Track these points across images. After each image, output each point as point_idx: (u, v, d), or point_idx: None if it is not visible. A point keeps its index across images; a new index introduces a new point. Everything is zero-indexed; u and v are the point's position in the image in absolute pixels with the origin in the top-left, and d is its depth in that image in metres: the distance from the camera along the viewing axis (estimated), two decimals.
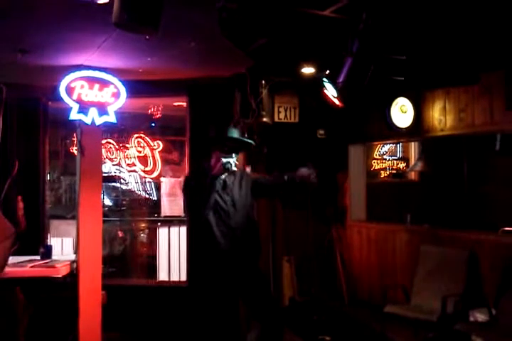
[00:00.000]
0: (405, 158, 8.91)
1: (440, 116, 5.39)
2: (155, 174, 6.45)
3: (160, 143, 6.43)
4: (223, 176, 3.58)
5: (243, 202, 3.63)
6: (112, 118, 4.50)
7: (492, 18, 3.61)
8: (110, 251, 6.39)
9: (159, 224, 6.16)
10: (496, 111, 4.79)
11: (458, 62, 4.13)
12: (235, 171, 3.66)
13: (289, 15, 3.51)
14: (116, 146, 6.54)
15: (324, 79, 4.04)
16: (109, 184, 6.55)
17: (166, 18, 2.85)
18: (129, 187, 6.67)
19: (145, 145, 6.42)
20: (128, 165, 6.55)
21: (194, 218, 3.90)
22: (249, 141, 3.88)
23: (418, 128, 5.62)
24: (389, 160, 8.80)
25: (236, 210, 3.58)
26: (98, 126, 4.50)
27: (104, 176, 5.55)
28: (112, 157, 6.55)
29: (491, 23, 3.69)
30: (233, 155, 3.64)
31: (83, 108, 4.37)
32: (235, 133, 3.74)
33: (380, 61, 3.64)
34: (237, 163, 3.72)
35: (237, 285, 3.60)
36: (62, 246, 5.89)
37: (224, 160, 3.55)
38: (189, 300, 5.23)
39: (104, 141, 6.06)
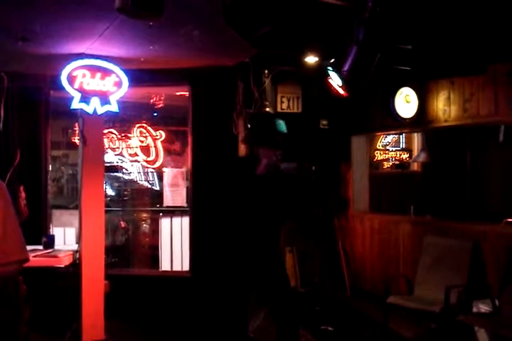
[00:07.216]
0: (408, 149, 8.88)
1: (444, 106, 5.35)
2: (157, 164, 6.41)
3: (162, 133, 6.38)
4: (267, 174, 3.42)
5: (277, 206, 3.45)
6: (114, 107, 4.48)
7: (500, 8, 3.56)
8: (112, 241, 6.38)
9: (161, 214, 6.15)
10: (501, 102, 4.75)
11: (465, 52, 4.08)
12: (281, 171, 3.48)
13: (294, 3, 3.47)
14: (119, 136, 6.50)
15: (329, 68, 3.99)
16: (112, 174, 6.52)
17: (168, 6, 2.81)
18: (131, 177, 6.64)
19: (147, 135, 6.38)
20: (130, 155, 6.52)
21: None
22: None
23: (422, 118, 5.58)
24: (392, 151, 8.77)
25: (267, 211, 3.44)
26: (100, 115, 4.47)
27: (107, 166, 5.53)
28: (114, 147, 6.51)
29: (498, 13, 3.64)
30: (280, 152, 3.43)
31: (85, 97, 4.35)
32: (283, 126, 3.50)
33: (385, 50, 3.60)
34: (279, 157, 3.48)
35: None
36: (64, 236, 5.88)
37: (270, 161, 3.38)
38: (192, 291, 5.24)
39: (106, 131, 6.02)
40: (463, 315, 4.16)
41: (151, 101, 6.42)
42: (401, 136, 8.77)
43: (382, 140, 8.64)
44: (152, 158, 6.43)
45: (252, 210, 3.46)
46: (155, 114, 6.61)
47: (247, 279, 3.50)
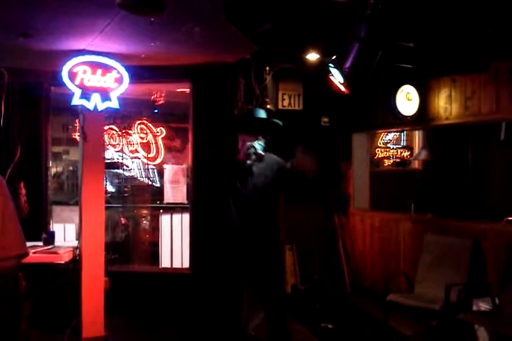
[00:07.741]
0: (409, 147, 8.86)
1: (446, 104, 5.33)
2: (158, 161, 6.41)
3: (163, 129, 6.38)
4: (249, 161, 3.44)
5: (266, 191, 3.48)
6: (114, 103, 4.47)
7: (502, 5, 3.54)
8: (113, 237, 6.38)
9: (162, 211, 6.15)
10: (503, 100, 4.74)
11: (466, 49, 4.07)
12: (263, 156, 3.48)
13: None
14: (119, 132, 6.50)
15: (330, 65, 3.97)
16: (112, 170, 6.51)
17: (170, 2, 2.80)
18: (132, 173, 6.64)
19: (148, 131, 6.38)
20: (131, 151, 6.52)
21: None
22: (277, 121, 3.66)
23: (423, 116, 5.57)
24: (393, 148, 8.75)
25: (257, 198, 3.46)
26: (101, 111, 4.47)
27: (107, 162, 5.53)
28: (114, 143, 6.51)
29: (501, 11, 3.62)
30: (260, 137, 3.49)
31: (86, 93, 4.34)
32: (262, 114, 3.59)
33: (387, 48, 3.58)
34: (263, 145, 3.52)
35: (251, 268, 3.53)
36: (64, 233, 5.89)
37: (248, 143, 3.42)
38: (192, 287, 5.24)
39: (106, 127, 6.02)
40: (463, 313, 4.15)
41: (152, 97, 6.42)
42: (402, 134, 8.75)
43: (383, 137, 8.63)
44: (153, 154, 6.43)
45: (247, 201, 3.47)
46: (156, 111, 6.60)
47: (246, 276, 3.51)
